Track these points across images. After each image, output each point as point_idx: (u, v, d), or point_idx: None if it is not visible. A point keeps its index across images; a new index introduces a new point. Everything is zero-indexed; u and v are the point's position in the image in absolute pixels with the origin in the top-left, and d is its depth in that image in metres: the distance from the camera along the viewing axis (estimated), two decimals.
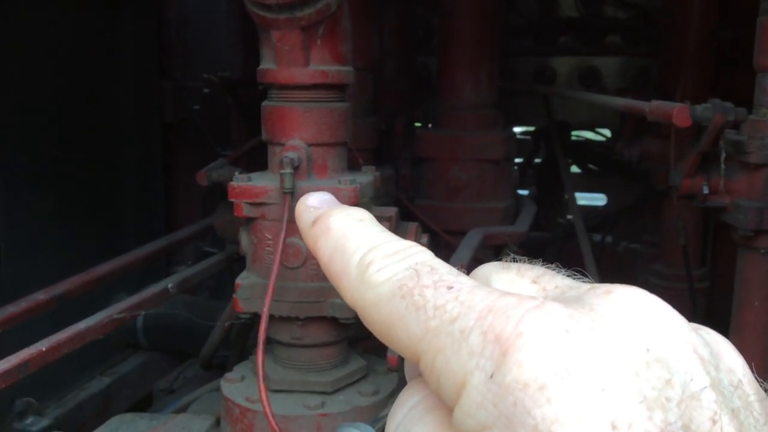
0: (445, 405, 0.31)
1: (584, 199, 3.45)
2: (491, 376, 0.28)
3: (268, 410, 1.26)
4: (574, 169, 3.23)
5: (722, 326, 2.23)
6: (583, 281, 0.33)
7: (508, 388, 0.27)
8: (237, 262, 2.34)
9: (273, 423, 1.26)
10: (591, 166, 3.23)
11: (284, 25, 1.34)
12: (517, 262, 0.36)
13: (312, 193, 0.40)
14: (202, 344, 2.28)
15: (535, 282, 0.35)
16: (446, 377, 0.30)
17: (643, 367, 0.27)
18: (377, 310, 0.33)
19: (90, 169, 2.42)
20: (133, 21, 2.61)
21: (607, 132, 3.36)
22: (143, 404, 2.57)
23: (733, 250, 2.34)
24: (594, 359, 0.27)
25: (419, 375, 0.34)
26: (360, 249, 0.35)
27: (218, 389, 1.86)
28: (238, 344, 2.08)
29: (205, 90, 3.12)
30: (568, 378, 0.27)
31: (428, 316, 0.30)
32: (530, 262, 0.36)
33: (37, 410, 2.06)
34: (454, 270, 0.33)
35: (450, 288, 0.31)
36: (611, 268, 2.72)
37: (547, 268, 0.36)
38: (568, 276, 0.35)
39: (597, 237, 2.90)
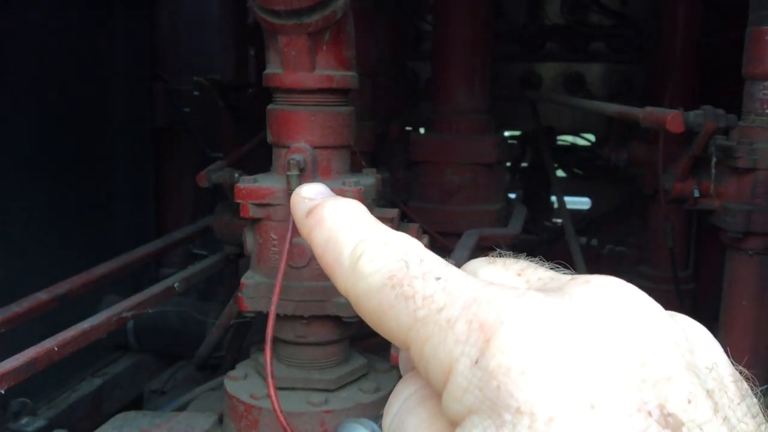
0: (437, 395, 0.32)
1: (569, 202, 3.51)
2: (476, 362, 0.29)
3: (276, 406, 1.29)
4: (560, 173, 3.30)
5: (707, 326, 2.29)
6: (565, 273, 0.35)
7: (492, 373, 0.28)
8: (230, 264, 2.36)
9: (282, 419, 1.29)
10: (576, 170, 3.29)
11: (292, 31, 1.37)
12: (502, 257, 0.38)
13: (307, 184, 0.42)
14: (192, 346, 2.29)
15: (519, 275, 0.36)
16: (434, 364, 0.31)
17: (619, 350, 0.28)
18: (368, 300, 0.34)
19: (82, 171, 2.43)
20: (126, 23, 2.62)
21: (590, 137, 3.43)
22: (134, 406, 2.57)
23: (717, 253, 2.42)
24: (572, 344, 0.28)
25: (414, 368, 0.35)
26: (352, 240, 0.36)
27: (215, 389, 1.89)
28: (235, 344, 2.10)
29: (196, 93, 3.14)
30: (548, 362, 0.28)
31: (417, 306, 0.32)
32: (515, 257, 0.37)
33: (32, 411, 2.07)
34: (442, 261, 0.34)
35: (438, 279, 0.32)
36: (596, 271, 2.76)
37: (531, 261, 0.37)
38: (551, 269, 0.36)
39: (582, 239, 2.96)
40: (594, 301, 0.30)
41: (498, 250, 0.39)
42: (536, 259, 0.37)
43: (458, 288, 0.31)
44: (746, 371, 0.32)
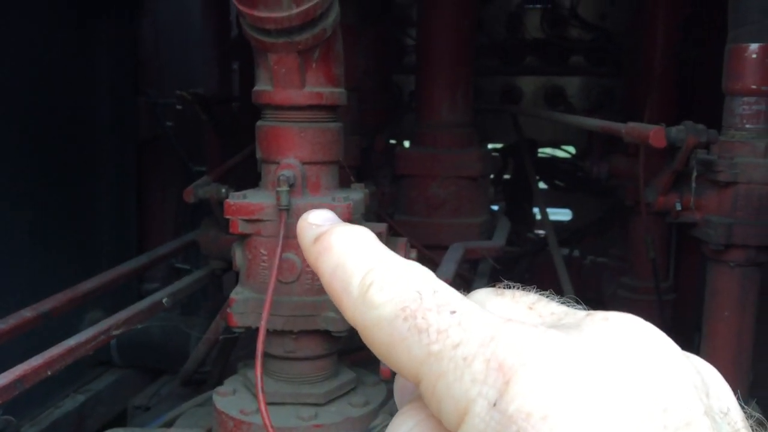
0: (444, 430, 0.31)
1: (549, 214, 3.55)
2: (494, 405, 0.28)
3: (267, 422, 1.29)
4: (541, 185, 3.33)
5: (687, 336, 2.33)
6: (577, 308, 0.34)
7: (511, 417, 0.27)
8: (215, 279, 2.36)
9: None
10: (557, 182, 3.33)
11: (282, 49, 1.38)
12: (510, 288, 0.36)
13: (314, 210, 0.40)
14: (176, 361, 2.29)
15: (530, 308, 0.35)
16: (448, 403, 0.30)
17: (642, 395, 0.28)
18: (379, 331, 0.32)
19: (65, 185, 2.42)
20: (110, 37, 2.62)
21: (571, 149, 3.47)
22: (117, 422, 2.56)
23: (696, 263, 2.46)
24: (595, 389, 0.28)
25: (413, 400, 0.34)
26: (361, 268, 0.34)
27: (202, 404, 1.89)
28: (221, 360, 2.10)
29: (178, 107, 3.14)
30: (571, 408, 0.27)
31: (431, 340, 0.30)
32: (524, 289, 0.36)
33: (16, 428, 2.05)
34: (457, 293, 0.33)
35: (453, 312, 0.31)
36: (578, 282, 2.80)
37: (541, 294, 0.36)
38: (562, 303, 0.35)
39: (564, 251, 2.99)
40: (615, 342, 0.30)
41: (505, 281, 0.37)
42: (546, 292, 0.36)
43: (475, 323, 0.30)
44: (756, 414, 0.32)
